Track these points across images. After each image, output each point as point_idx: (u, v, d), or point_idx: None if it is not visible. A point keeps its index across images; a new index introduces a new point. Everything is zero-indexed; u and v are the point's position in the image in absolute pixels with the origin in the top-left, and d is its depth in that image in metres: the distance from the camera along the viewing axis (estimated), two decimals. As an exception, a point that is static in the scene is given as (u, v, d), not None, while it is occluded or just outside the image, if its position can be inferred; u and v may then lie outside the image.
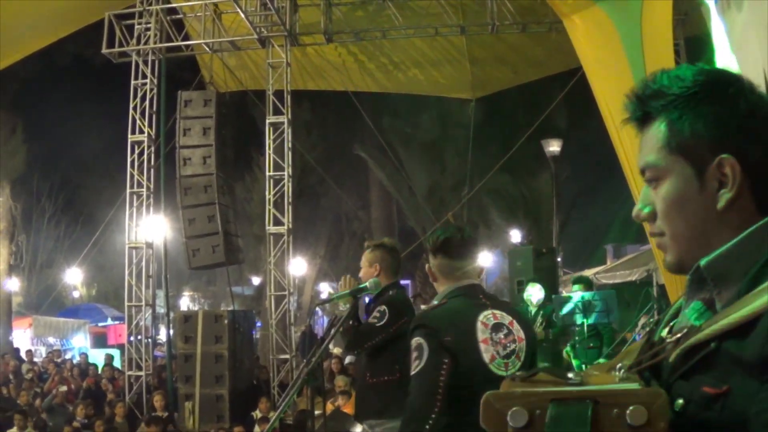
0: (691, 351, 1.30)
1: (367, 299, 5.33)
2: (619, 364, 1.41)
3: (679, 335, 1.36)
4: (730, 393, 1.22)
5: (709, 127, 1.35)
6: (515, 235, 28.24)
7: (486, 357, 3.62)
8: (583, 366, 10.98)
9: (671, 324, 1.48)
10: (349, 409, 10.06)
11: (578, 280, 12.15)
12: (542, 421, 1.27)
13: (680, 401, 1.29)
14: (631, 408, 1.23)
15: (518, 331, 3.76)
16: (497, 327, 3.71)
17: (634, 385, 1.32)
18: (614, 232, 31.49)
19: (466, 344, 3.62)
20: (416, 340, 3.63)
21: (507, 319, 3.78)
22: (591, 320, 11.03)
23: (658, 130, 1.40)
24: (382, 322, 5.36)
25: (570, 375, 1.39)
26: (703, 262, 1.36)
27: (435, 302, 3.89)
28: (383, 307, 5.41)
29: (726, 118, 1.35)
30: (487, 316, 3.73)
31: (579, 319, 10.94)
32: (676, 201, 1.38)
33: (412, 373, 3.62)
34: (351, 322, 4.88)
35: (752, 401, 1.18)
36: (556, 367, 1.45)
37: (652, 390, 1.28)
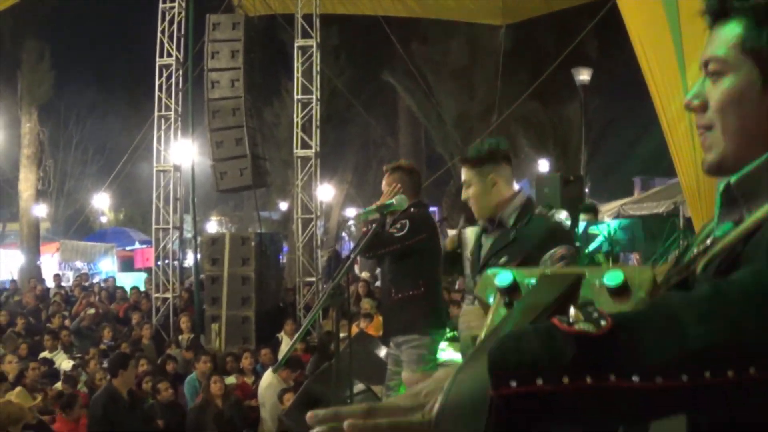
0: (722, 260, 1.30)
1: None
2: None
3: (706, 245, 1.37)
4: None
5: None
6: (543, 165, 28.10)
7: None
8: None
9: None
10: (371, 331, 10.19)
11: (586, 209, 11.96)
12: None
13: None
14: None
15: None
16: None
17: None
18: (642, 163, 31.30)
19: None
20: (562, 252, 3.68)
21: None
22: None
23: (734, 29, 1.39)
24: (400, 234, 5.49)
25: None
26: (733, 179, 1.38)
27: (539, 210, 4.03)
28: (405, 221, 5.55)
29: None
30: None
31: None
32: (736, 96, 1.38)
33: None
34: (374, 226, 4.97)
35: None
36: None
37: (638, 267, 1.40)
